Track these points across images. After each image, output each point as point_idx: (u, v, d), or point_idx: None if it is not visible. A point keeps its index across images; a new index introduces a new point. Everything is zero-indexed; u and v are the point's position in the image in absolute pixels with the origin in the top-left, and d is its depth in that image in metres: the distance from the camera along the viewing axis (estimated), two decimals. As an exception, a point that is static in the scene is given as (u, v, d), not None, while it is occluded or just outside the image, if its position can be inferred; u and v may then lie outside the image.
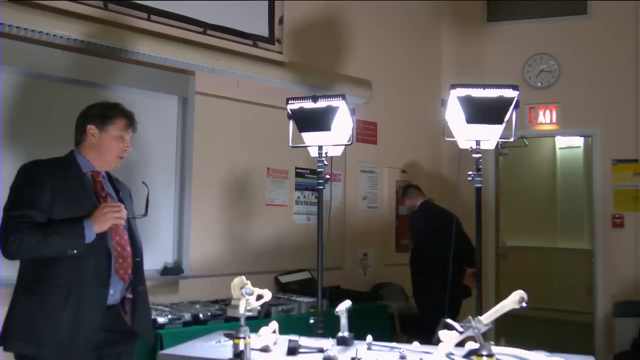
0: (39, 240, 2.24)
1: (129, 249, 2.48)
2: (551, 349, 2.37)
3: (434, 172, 6.15)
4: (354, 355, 2.27)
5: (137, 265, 2.52)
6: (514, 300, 2.23)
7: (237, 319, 2.24)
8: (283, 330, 2.59)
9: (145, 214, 2.59)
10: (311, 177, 4.82)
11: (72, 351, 2.29)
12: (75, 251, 2.28)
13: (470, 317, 2.20)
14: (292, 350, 2.39)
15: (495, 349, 2.20)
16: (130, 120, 2.56)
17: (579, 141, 8.00)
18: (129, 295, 2.48)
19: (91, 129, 2.50)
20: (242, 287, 2.26)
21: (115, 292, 2.42)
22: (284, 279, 4.57)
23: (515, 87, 2.84)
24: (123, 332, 2.47)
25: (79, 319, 2.29)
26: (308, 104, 3.07)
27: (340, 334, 2.54)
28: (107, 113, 2.52)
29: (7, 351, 2.33)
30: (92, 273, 2.33)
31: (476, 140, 2.92)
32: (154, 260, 3.77)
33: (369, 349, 2.48)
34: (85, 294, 2.31)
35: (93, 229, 2.32)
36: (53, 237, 2.25)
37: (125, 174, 2.74)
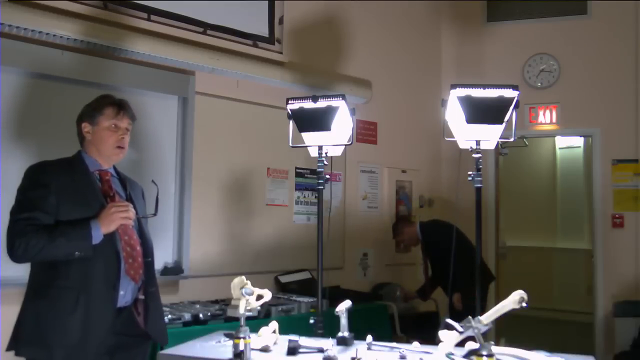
0: (45, 243, 2.22)
1: (139, 248, 2.45)
2: (551, 349, 2.37)
3: (434, 172, 6.15)
4: (354, 355, 2.27)
5: (148, 265, 2.49)
6: (514, 300, 2.22)
7: (237, 319, 2.24)
8: (283, 330, 2.59)
9: (155, 214, 2.58)
10: (311, 177, 4.82)
11: (82, 354, 2.26)
12: (83, 253, 2.26)
13: (470, 317, 2.20)
14: (292, 350, 2.38)
15: (495, 349, 2.20)
16: (119, 106, 2.51)
17: (579, 141, 8.01)
18: (141, 297, 2.46)
19: (85, 126, 2.49)
20: (242, 287, 2.26)
21: (126, 293, 2.39)
22: (284, 279, 4.57)
23: (515, 87, 2.83)
24: (136, 335, 2.44)
25: (89, 321, 2.26)
26: (308, 104, 3.06)
27: (340, 334, 2.54)
28: (95, 106, 2.51)
29: (18, 356, 2.31)
30: (101, 274, 2.31)
31: (476, 140, 2.92)
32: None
33: (369, 349, 2.48)
34: (94, 296, 2.29)
35: (100, 229, 2.29)
36: (59, 239, 2.23)
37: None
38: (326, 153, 3.10)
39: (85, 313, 2.26)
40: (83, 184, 2.41)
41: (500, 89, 2.83)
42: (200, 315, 3.51)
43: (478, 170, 2.94)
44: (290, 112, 3.12)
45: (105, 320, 2.30)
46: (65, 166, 2.43)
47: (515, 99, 2.84)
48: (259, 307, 2.37)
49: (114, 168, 2.59)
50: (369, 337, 2.53)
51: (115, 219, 2.34)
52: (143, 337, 2.49)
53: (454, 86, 2.87)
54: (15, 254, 2.24)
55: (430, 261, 5.02)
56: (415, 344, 2.53)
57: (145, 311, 2.46)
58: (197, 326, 3.42)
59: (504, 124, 2.91)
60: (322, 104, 3.05)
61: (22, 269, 2.42)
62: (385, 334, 4.34)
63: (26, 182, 2.37)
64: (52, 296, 2.27)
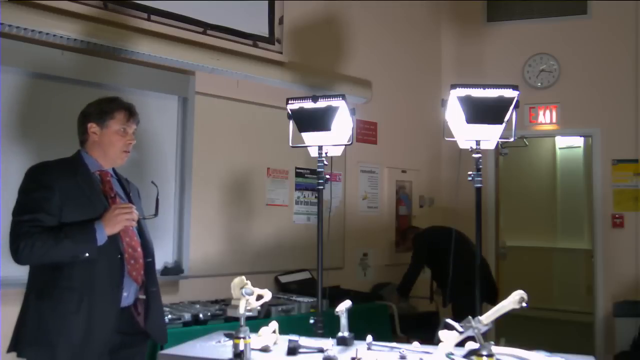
0: (50, 245, 2.20)
1: (139, 250, 2.45)
2: (551, 349, 2.37)
3: (434, 172, 6.15)
4: (354, 355, 2.27)
5: (149, 266, 2.49)
6: (514, 300, 2.22)
7: (237, 319, 2.24)
8: (283, 330, 2.59)
9: (156, 214, 2.57)
10: (311, 177, 4.82)
11: (86, 354, 2.26)
12: (88, 255, 2.25)
13: (470, 317, 2.20)
14: (292, 350, 2.38)
15: (495, 349, 2.20)
16: (130, 112, 2.51)
17: (579, 141, 8.01)
18: (142, 296, 2.46)
19: (92, 127, 2.47)
20: (242, 287, 2.25)
21: (129, 294, 2.40)
22: (284, 279, 4.57)
23: (515, 87, 2.84)
24: (135, 334, 2.45)
25: (92, 322, 2.26)
26: (308, 104, 3.06)
27: (340, 334, 2.53)
28: (105, 108, 2.48)
29: (20, 357, 2.30)
30: (104, 276, 2.31)
31: (476, 140, 2.92)
32: (154, 260, 3.77)
33: (369, 349, 2.48)
34: (98, 297, 2.28)
35: (105, 231, 2.29)
36: (65, 241, 2.22)
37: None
38: (326, 153, 3.10)
39: (88, 313, 2.26)
40: (85, 185, 2.39)
41: (500, 89, 2.83)
42: (200, 315, 3.51)
43: (478, 170, 2.94)
44: (290, 112, 3.12)
45: (108, 321, 2.30)
46: (67, 167, 2.42)
47: (515, 99, 2.84)
48: (259, 307, 2.37)
49: (112, 168, 2.59)
50: (369, 337, 2.52)
51: (120, 220, 2.33)
52: (142, 336, 2.49)
53: (454, 86, 2.87)
54: (20, 256, 2.22)
55: (431, 266, 5.01)
56: (415, 344, 2.53)
57: (145, 311, 2.46)
58: (197, 326, 3.42)
59: (504, 124, 2.91)
60: (322, 104, 3.05)
61: (22, 269, 2.40)
62: (385, 334, 4.34)
63: (28, 183, 2.35)
64: (55, 297, 2.26)
